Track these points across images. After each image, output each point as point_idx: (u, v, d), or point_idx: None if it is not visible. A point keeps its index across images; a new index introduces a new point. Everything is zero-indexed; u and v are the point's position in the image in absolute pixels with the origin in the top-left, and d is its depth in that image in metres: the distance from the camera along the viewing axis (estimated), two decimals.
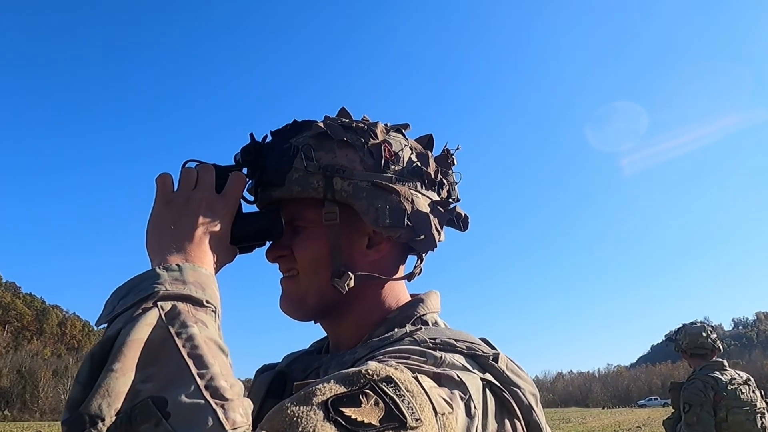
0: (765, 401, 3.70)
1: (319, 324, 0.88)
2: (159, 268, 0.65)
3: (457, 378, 0.66)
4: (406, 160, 0.83)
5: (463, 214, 0.90)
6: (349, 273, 0.80)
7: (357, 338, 0.82)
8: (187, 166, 0.79)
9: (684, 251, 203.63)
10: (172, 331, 0.58)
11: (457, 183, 0.91)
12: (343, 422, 0.55)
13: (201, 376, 0.55)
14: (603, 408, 69.44)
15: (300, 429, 0.53)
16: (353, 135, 0.81)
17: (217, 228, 0.74)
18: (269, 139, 0.84)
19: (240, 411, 0.55)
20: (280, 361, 0.90)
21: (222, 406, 0.54)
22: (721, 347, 3.82)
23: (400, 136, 0.86)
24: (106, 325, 0.62)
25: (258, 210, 0.84)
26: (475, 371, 0.70)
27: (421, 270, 0.88)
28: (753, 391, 3.62)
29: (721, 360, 3.75)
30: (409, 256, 0.89)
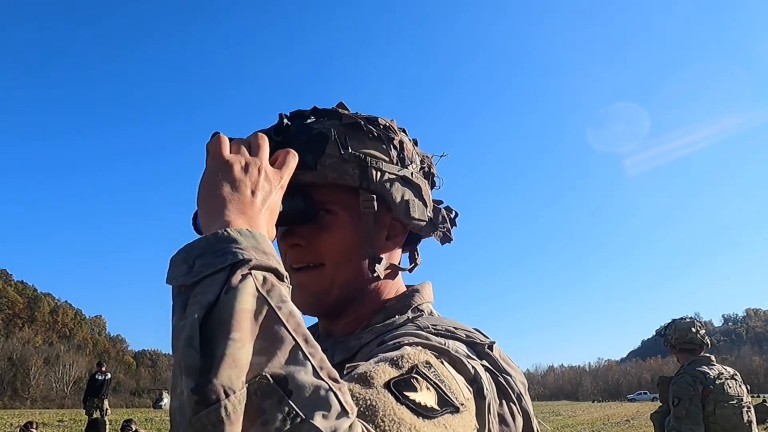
0: (751, 396, 3.76)
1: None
2: (231, 230, 0.58)
3: (466, 362, 0.69)
4: (418, 160, 0.88)
5: (454, 214, 0.94)
6: (384, 261, 0.83)
7: (354, 325, 0.84)
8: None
9: (677, 248, 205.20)
10: (273, 304, 0.54)
11: (439, 188, 0.94)
12: (412, 406, 0.56)
13: (312, 356, 0.52)
14: (593, 401, 69.99)
15: (381, 413, 0.55)
16: (379, 128, 0.83)
17: (274, 200, 0.68)
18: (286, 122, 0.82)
19: (349, 395, 0.53)
20: None
21: (339, 389, 0.51)
22: (709, 343, 3.87)
23: (407, 137, 0.89)
24: (177, 283, 0.56)
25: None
26: (475, 358, 0.73)
27: (419, 261, 0.92)
28: (740, 386, 3.68)
29: (708, 355, 3.79)
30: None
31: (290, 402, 0.49)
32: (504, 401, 0.72)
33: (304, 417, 0.48)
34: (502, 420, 0.71)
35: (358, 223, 0.82)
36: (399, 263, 0.89)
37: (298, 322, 0.54)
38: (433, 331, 0.75)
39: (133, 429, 10.19)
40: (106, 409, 13.48)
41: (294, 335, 0.53)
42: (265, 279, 0.56)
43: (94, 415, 12.91)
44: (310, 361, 0.52)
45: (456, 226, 0.94)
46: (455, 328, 0.77)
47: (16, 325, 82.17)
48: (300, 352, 0.52)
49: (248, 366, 0.50)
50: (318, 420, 0.48)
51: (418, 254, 0.93)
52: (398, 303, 0.85)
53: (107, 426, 13.13)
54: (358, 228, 0.82)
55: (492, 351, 0.76)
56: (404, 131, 0.89)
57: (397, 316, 0.81)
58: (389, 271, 0.85)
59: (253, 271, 0.55)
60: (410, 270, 0.91)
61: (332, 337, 0.86)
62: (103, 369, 13.98)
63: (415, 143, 0.91)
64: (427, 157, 0.91)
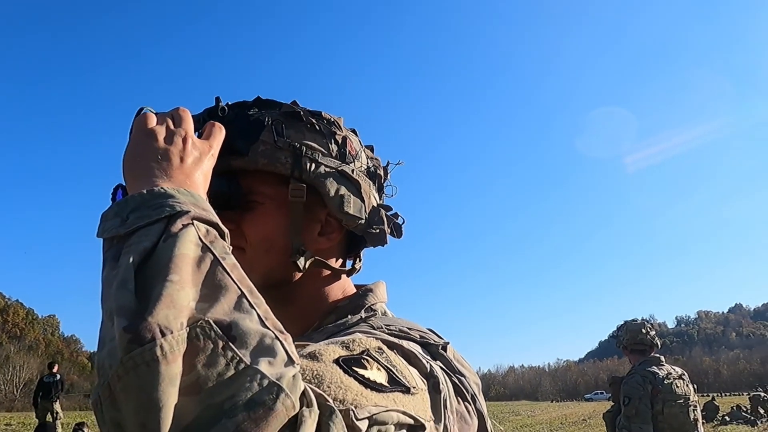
0: (699, 395, 3.89)
1: None
2: (167, 187, 0.56)
3: (421, 358, 0.69)
4: (364, 159, 0.86)
5: (401, 221, 0.91)
6: (308, 254, 0.80)
7: (303, 326, 0.82)
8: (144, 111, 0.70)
9: (634, 251, 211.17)
10: (217, 254, 0.52)
11: (391, 196, 0.92)
12: (361, 378, 0.56)
13: (257, 306, 0.51)
14: (551, 401, 71.37)
15: (327, 381, 0.54)
16: (322, 122, 0.82)
17: (206, 165, 0.66)
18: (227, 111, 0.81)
19: (294, 347, 0.51)
20: None
21: (285, 340, 0.50)
22: (659, 344, 3.98)
23: (356, 137, 0.87)
24: (108, 235, 0.54)
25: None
26: (429, 358, 0.72)
27: (360, 267, 0.90)
28: (687, 386, 3.79)
29: (658, 356, 3.90)
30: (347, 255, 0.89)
31: (234, 347, 0.47)
32: (462, 400, 0.72)
33: (248, 363, 0.47)
34: (461, 417, 0.70)
35: (287, 212, 0.80)
36: (340, 265, 0.86)
37: (242, 273, 0.53)
38: (386, 331, 0.74)
39: None
40: (57, 412, 13.03)
41: (239, 285, 0.51)
42: (207, 230, 0.54)
43: (45, 419, 12.50)
44: (255, 310, 0.50)
45: (400, 234, 0.91)
46: (409, 329, 0.76)
47: None
48: (245, 301, 0.50)
49: (188, 309, 0.47)
50: (263, 366, 0.47)
51: (360, 259, 0.90)
52: (350, 303, 0.83)
53: (58, 429, 12.71)
54: (285, 217, 0.80)
55: (446, 352, 0.76)
56: (354, 131, 0.87)
57: (349, 317, 0.79)
58: (317, 268, 0.82)
59: (195, 222, 0.53)
60: (347, 273, 0.88)
61: None
62: (54, 370, 13.49)
63: (371, 149, 0.90)
64: (376, 160, 0.89)
